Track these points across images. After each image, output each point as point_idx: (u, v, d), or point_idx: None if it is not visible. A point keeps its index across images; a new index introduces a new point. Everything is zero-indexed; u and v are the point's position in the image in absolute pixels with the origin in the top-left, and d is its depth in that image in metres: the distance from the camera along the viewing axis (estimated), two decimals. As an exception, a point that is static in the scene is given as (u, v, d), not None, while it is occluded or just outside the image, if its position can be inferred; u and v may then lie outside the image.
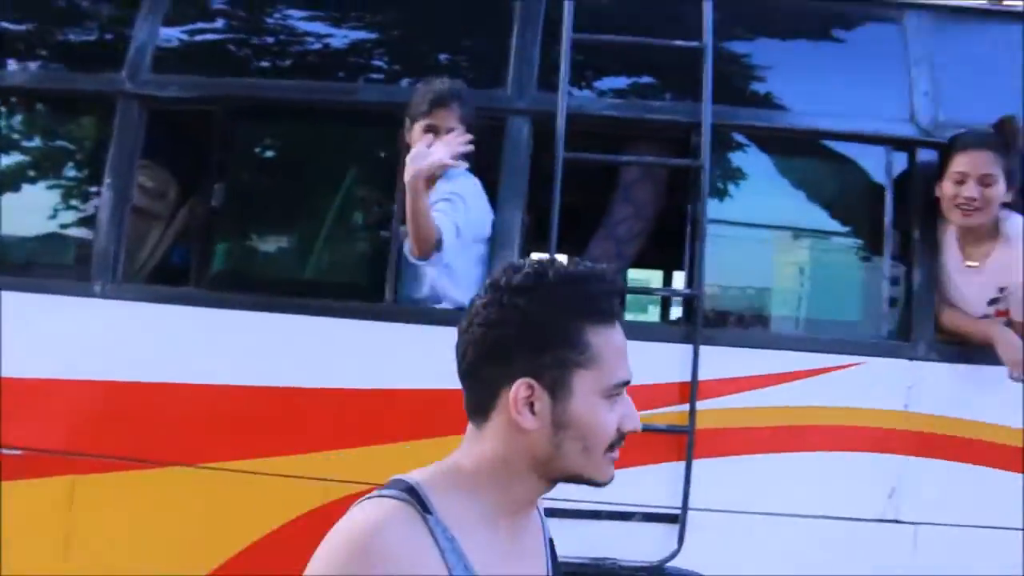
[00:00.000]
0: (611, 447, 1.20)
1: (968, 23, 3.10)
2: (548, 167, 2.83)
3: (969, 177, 2.77)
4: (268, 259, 3.30)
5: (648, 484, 2.72)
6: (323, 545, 1.13)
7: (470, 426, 1.23)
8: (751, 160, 3.10)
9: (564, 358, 1.15)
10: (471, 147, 2.70)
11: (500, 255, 2.83)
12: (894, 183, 2.97)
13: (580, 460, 1.18)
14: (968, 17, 3.10)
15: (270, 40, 3.24)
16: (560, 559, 2.65)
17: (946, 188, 2.82)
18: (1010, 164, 2.78)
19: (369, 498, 1.17)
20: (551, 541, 1.35)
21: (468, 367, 1.20)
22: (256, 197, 3.36)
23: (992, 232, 2.86)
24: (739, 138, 3.04)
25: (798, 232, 3.16)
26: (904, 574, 2.73)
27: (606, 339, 1.18)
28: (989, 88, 3.06)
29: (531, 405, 1.16)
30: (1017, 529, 2.78)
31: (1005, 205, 2.83)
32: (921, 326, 2.85)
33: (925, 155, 2.93)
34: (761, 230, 3.13)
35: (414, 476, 1.19)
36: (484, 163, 2.88)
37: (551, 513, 2.62)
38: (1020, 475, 2.79)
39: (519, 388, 1.15)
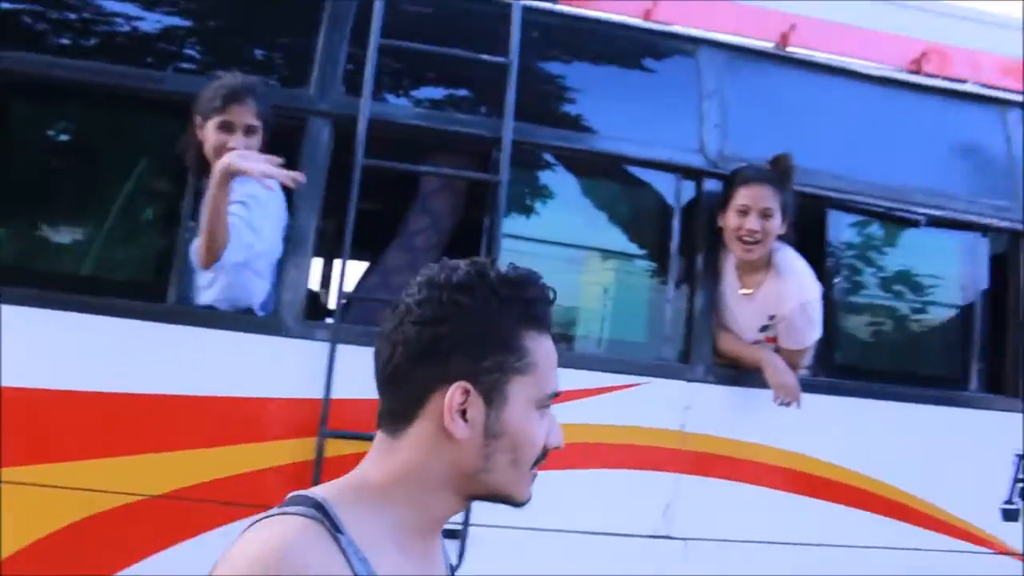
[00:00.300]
0: (535, 463, 1.14)
1: (756, 63, 3.27)
2: (347, 172, 2.77)
3: (751, 210, 2.92)
4: (41, 251, 3.06)
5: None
6: (220, 570, 0.99)
7: (381, 435, 1.13)
8: (548, 179, 3.15)
9: (503, 362, 1.09)
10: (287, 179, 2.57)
11: (293, 259, 2.76)
12: (682, 210, 3.09)
13: (506, 475, 1.12)
14: (756, 58, 3.27)
15: (56, 15, 3.02)
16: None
17: (730, 219, 2.96)
18: (785, 199, 2.95)
19: (269, 516, 1.05)
20: (452, 567, 1.26)
21: (394, 369, 1.10)
22: (30, 183, 3.11)
23: (766, 263, 3.03)
24: (538, 156, 3.07)
25: (588, 252, 3.24)
26: (673, 587, 2.85)
27: (541, 346, 1.12)
28: (771, 126, 3.25)
29: (463, 412, 1.08)
30: (782, 543, 2.95)
31: (778, 237, 3.01)
32: (700, 349, 2.98)
33: (711, 185, 3.07)
34: (553, 248, 3.19)
35: (318, 492, 1.08)
36: (281, 164, 2.79)
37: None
38: (783, 493, 2.96)
39: (455, 392, 1.07)
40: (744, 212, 2.93)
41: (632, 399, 2.89)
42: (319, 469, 2.59)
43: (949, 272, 3.40)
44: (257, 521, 1.05)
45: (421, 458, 1.10)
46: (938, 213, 3.25)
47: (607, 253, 3.24)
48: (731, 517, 2.94)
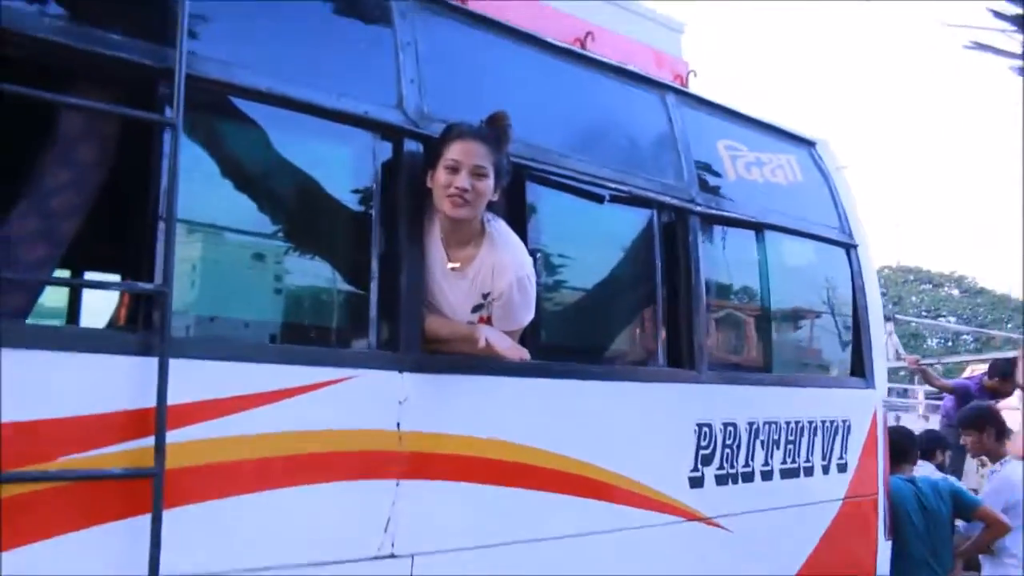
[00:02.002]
0: None
1: (453, 19, 2.94)
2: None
3: (463, 166, 2.59)
4: None
5: (99, 551, 1.98)
6: None
7: None
8: (229, 128, 2.50)
9: None
10: None
11: None
12: (382, 176, 2.65)
13: None
14: (454, 14, 2.94)
15: None
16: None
17: (439, 176, 2.61)
18: (499, 160, 2.67)
19: None
20: None
21: None
22: None
23: (477, 235, 2.73)
24: (214, 98, 2.37)
25: (277, 226, 2.64)
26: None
27: None
28: (472, 86, 2.96)
29: None
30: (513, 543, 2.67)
31: (489, 206, 2.72)
32: (409, 335, 2.57)
33: (411, 146, 2.67)
34: (231, 217, 2.55)
35: None
36: None
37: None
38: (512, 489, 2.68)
39: None
40: (455, 169, 2.59)
41: (338, 397, 2.39)
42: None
43: (629, 248, 3.40)
44: None
45: None
46: (623, 189, 3.20)
47: (298, 226, 2.66)
48: (456, 523, 2.58)
